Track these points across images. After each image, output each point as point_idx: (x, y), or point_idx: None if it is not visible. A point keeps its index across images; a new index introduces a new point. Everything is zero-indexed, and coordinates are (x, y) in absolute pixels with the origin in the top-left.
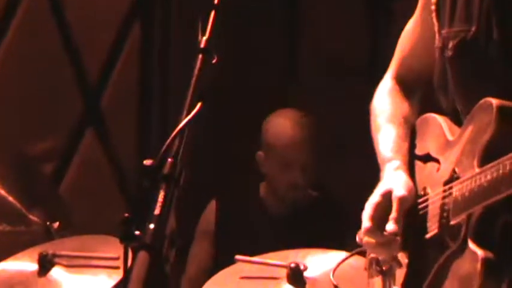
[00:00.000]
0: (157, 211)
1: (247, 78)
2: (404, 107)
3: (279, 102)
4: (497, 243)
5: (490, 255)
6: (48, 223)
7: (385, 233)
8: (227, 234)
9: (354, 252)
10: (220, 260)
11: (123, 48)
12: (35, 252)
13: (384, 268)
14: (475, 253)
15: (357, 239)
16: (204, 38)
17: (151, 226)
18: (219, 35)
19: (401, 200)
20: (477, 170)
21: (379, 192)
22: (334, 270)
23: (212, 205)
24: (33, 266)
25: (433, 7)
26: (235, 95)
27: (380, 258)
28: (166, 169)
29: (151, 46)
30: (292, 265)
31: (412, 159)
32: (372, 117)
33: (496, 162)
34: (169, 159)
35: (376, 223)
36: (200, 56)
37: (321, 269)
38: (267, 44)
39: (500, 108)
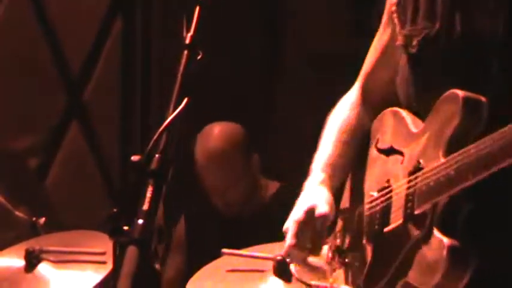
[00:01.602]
0: (145, 206)
1: (229, 74)
2: (358, 122)
3: (263, 98)
4: (462, 232)
5: (455, 243)
6: (34, 219)
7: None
8: (197, 244)
9: None
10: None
11: (106, 41)
12: (21, 248)
13: (346, 260)
14: (440, 241)
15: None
16: (189, 34)
17: (140, 221)
18: (203, 30)
19: (325, 217)
20: (442, 160)
21: (302, 209)
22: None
23: (182, 218)
24: (20, 262)
25: (393, 8)
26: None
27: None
28: (154, 165)
29: (134, 39)
30: (278, 258)
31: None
32: (325, 126)
33: (461, 151)
34: (157, 155)
35: (299, 239)
36: (185, 52)
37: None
38: (250, 39)
39: (466, 99)
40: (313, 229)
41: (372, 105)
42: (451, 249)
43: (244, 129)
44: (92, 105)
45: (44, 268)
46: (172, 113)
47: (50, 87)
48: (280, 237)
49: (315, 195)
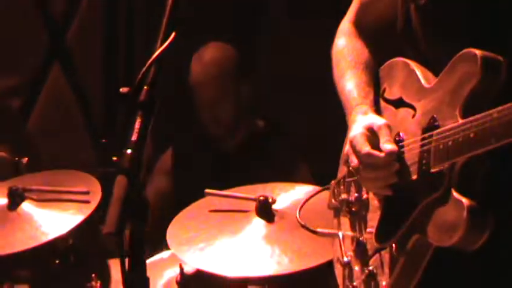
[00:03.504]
0: (134, 137)
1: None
2: (366, 52)
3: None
4: (481, 191)
5: (474, 204)
6: (16, 159)
7: (383, 154)
8: (183, 173)
9: (320, 190)
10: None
11: None
12: (4, 187)
13: (353, 209)
14: (459, 202)
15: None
16: None
17: (129, 151)
18: None
19: (387, 126)
20: (460, 120)
21: (361, 125)
22: (300, 208)
23: (170, 149)
24: (3, 201)
25: None
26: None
27: (372, 187)
28: (142, 96)
29: None
30: (261, 198)
31: (379, 102)
32: (334, 63)
33: (483, 113)
34: (145, 87)
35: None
36: None
37: (289, 202)
38: None
39: (485, 59)
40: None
41: (367, 40)
42: (471, 210)
43: (238, 50)
44: (75, 44)
45: (27, 207)
46: (160, 46)
47: (32, 28)
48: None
49: (367, 118)
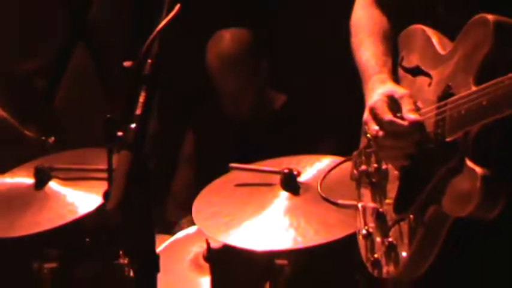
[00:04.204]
0: (138, 111)
1: None
2: (384, 21)
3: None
4: (494, 160)
5: (488, 172)
6: (43, 138)
7: (406, 123)
8: (206, 157)
9: (341, 161)
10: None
11: None
12: (31, 166)
13: (373, 180)
14: (473, 170)
15: (371, 137)
16: None
17: (133, 126)
18: None
19: (409, 95)
20: (473, 88)
21: (381, 93)
22: (321, 180)
23: (189, 134)
24: (30, 181)
25: None
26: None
27: (390, 157)
28: (146, 70)
29: None
30: (286, 171)
31: (397, 71)
32: (353, 33)
33: (495, 81)
34: (149, 60)
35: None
36: None
37: (314, 174)
38: None
39: (497, 24)
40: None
41: (385, 8)
42: (484, 179)
43: (253, 33)
44: (98, 25)
45: (54, 185)
46: (164, 19)
47: (55, 9)
48: (287, 149)
49: (386, 86)
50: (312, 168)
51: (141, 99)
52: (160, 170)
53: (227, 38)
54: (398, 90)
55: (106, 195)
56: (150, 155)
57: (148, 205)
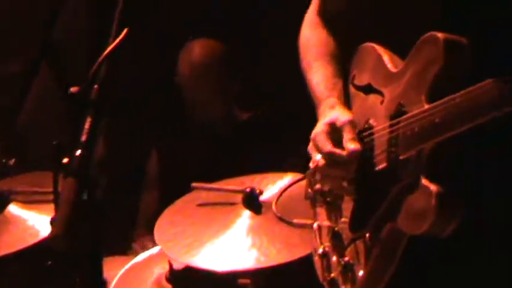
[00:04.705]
0: (83, 137)
1: None
2: (332, 42)
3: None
4: (449, 177)
5: (442, 189)
6: (4, 160)
7: (345, 152)
8: (171, 178)
9: (295, 181)
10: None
11: None
12: None
13: (328, 199)
14: (428, 188)
15: (311, 165)
16: None
17: (78, 152)
18: None
19: (351, 122)
20: (426, 105)
21: (323, 122)
22: (277, 200)
23: (154, 154)
24: None
25: None
26: None
27: (329, 186)
28: (92, 95)
29: None
30: (248, 190)
31: (348, 90)
32: (301, 55)
33: (447, 98)
34: (95, 86)
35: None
36: None
37: (276, 193)
38: None
39: (447, 42)
40: (339, 141)
41: (333, 28)
42: (439, 197)
43: (225, 45)
44: (60, 45)
45: (13, 209)
46: (111, 43)
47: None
48: (249, 168)
49: (332, 112)
50: (275, 186)
51: (87, 125)
52: (110, 194)
53: (198, 48)
54: (341, 117)
55: (52, 222)
56: (97, 181)
57: (96, 231)
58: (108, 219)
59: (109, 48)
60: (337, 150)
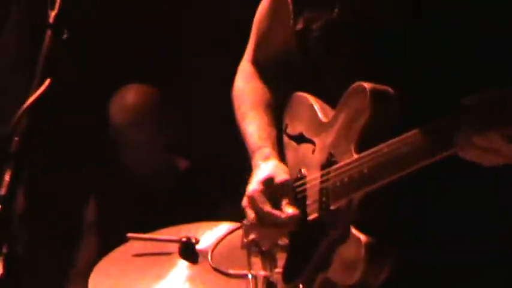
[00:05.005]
0: (2, 191)
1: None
2: (266, 92)
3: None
4: (378, 227)
5: (372, 239)
6: None
7: (284, 215)
8: (109, 225)
9: (231, 231)
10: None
11: None
12: None
13: (263, 249)
14: (357, 238)
15: (245, 225)
16: (53, 13)
17: None
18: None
19: (287, 183)
20: (355, 155)
21: (258, 180)
22: (213, 250)
23: (92, 201)
24: None
25: None
26: None
27: (267, 241)
28: (12, 148)
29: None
30: (184, 239)
31: (282, 139)
32: (236, 105)
33: (375, 148)
34: (16, 138)
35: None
36: (49, 31)
37: (213, 241)
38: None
39: (374, 92)
40: (274, 200)
41: (267, 78)
42: (369, 247)
43: (157, 90)
44: None
45: None
46: (32, 95)
47: None
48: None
49: (268, 167)
50: (211, 235)
51: (7, 178)
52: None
53: (131, 92)
54: (279, 175)
55: None
56: (17, 236)
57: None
58: (35, 273)
59: (30, 100)
60: (276, 212)
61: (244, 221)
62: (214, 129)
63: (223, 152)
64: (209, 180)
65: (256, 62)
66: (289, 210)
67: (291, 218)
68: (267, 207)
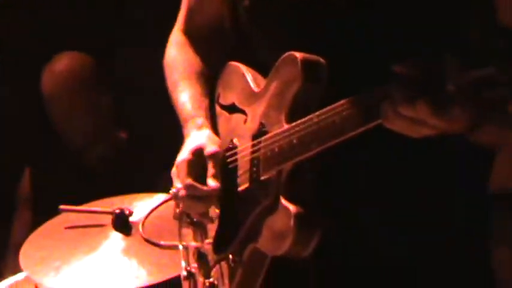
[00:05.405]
0: None
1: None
2: (198, 61)
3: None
4: (308, 197)
5: (301, 210)
6: None
7: (205, 188)
8: (44, 198)
9: (162, 202)
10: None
11: None
12: None
13: (194, 219)
14: (287, 209)
15: (171, 195)
16: None
17: None
18: None
19: (215, 155)
20: (285, 125)
21: (188, 149)
22: (143, 221)
23: (26, 173)
24: None
25: None
26: None
27: (193, 212)
28: None
29: None
30: (117, 211)
31: (214, 109)
32: (167, 74)
33: (304, 119)
34: None
35: (193, 179)
36: None
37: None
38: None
39: (305, 62)
40: (203, 171)
41: (199, 47)
42: (298, 217)
43: (94, 59)
44: None
45: None
46: None
47: None
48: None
49: (199, 137)
50: (145, 206)
51: None
52: None
53: (65, 57)
54: (208, 147)
55: None
56: None
57: None
58: None
59: None
60: (197, 185)
61: (172, 191)
62: (155, 100)
63: (164, 122)
64: (149, 151)
65: (188, 31)
66: (211, 183)
67: (211, 191)
68: (189, 180)
